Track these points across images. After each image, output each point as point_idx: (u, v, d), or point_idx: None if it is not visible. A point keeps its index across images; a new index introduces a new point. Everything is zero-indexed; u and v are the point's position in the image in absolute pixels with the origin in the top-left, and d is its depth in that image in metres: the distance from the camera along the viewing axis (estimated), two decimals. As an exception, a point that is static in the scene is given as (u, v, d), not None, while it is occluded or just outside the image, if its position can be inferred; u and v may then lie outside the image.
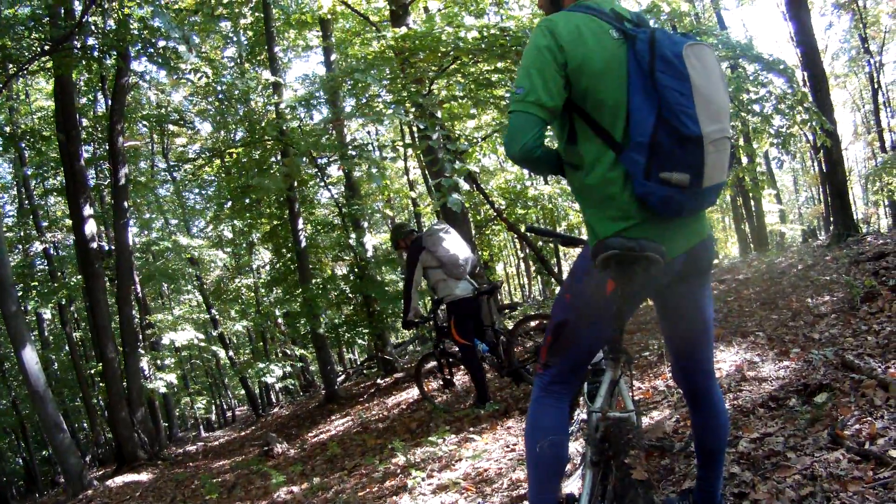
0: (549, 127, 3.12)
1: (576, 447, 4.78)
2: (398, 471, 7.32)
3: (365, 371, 22.31)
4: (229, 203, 19.76)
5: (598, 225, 3.09)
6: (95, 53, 14.09)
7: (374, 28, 15.17)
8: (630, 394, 3.56)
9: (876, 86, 31.10)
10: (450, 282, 9.12)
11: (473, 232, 17.75)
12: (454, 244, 9.15)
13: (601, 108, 2.99)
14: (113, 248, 19.01)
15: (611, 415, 3.14)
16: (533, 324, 9.62)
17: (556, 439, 3.27)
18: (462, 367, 10.55)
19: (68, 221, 22.61)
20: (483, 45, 9.92)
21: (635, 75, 2.91)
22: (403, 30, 10.58)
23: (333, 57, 20.51)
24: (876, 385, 5.18)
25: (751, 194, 25.80)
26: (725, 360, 7.51)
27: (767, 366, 6.83)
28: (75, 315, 28.66)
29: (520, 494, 5.30)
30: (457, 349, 9.69)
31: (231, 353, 28.32)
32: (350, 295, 18.17)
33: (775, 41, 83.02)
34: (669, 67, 2.82)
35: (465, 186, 9.15)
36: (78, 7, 13.86)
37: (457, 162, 9.42)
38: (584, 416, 4.50)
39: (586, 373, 4.04)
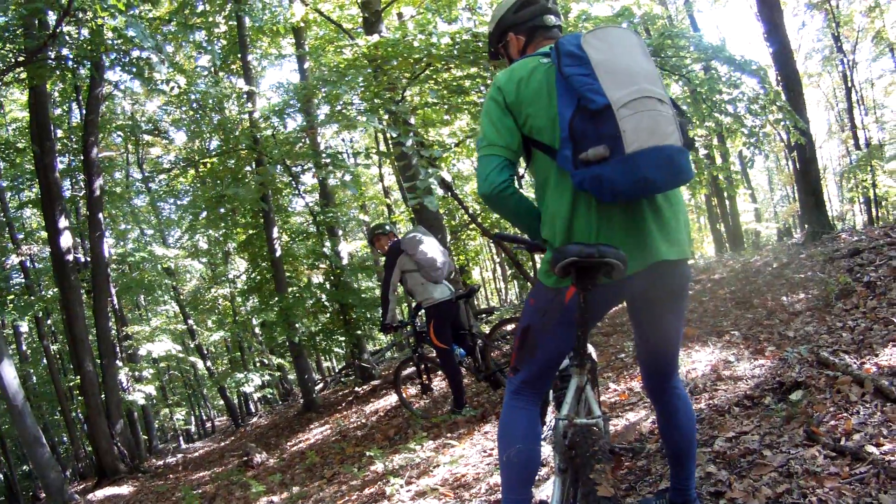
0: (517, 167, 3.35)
1: (550, 451, 4.78)
2: (377, 478, 7.30)
3: (343, 379, 22.23)
4: (204, 213, 19.71)
5: (556, 237, 3.17)
6: (70, 63, 14.02)
7: (347, 36, 15.11)
8: (596, 399, 3.56)
9: (849, 84, 31.23)
10: (428, 285, 9.14)
11: (449, 237, 17.73)
12: (431, 248, 9.18)
13: (542, 129, 3.14)
14: (89, 259, 18.93)
15: (577, 421, 3.13)
16: (509, 328, 9.62)
17: (526, 444, 3.33)
18: (440, 372, 10.57)
19: (44, 234, 22.50)
20: (455, 52, 9.93)
21: (558, 82, 3.01)
22: (376, 37, 10.57)
23: (307, 65, 20.46)
24: (851, 381, 5.18)
25: (725, 193, 25.88)
26: (701, 360, 7.52)
27: (743, 365, 6.84)
28: (52, 328, 28.52)
29: (498, 499, 5.29)
30: (435, 354, 9.70)
31: (209, 363, 28.21)
32: (326, 303, 18.13)
33: (749, 42, 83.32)
34: (572, 58, 2.94)
35: (440, 191, 9.17)
36: (52, 17, 13.79)
37: (430, 168, 9.45)
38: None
39: (555, 378, 4.06)
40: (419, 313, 9.79)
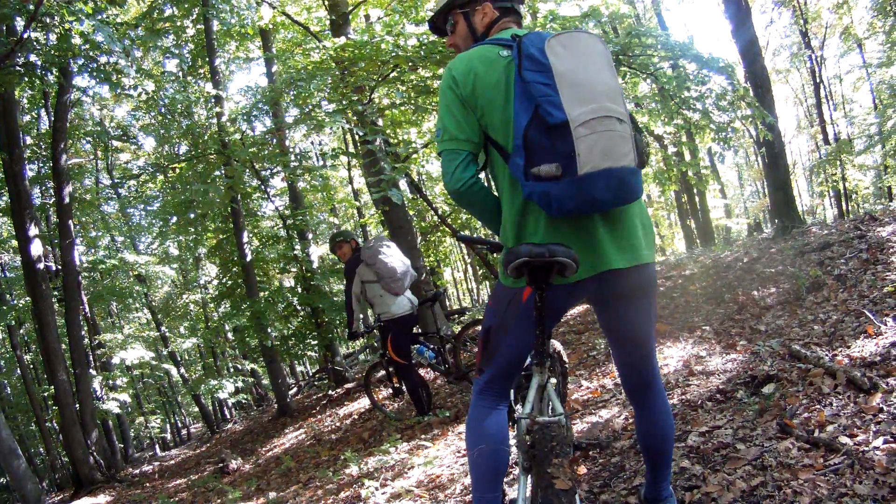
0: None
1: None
2: (352, 481, 7.27)
3: (316, 383, 22.16)
4: (174, 218, 19.60)
5: (508, 240, 3.20)
6: (38, 69, 13.92)
7: (314, 38, 15.07)
8: (561, 397, 3.56)
9: (818, 80, 31.55)
10: (387, 297, 9.02)
11: (419, 239, 17.71)
12: (392, 258, 9.03)
13: (496, 125, 3.09)
14: (60, 267, 18.77)
15: (539, 420, 3.12)
16: (479, 328, 9.59)
17: (490, 443, 3.34)
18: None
19: (14, 242, 22.29)
20: (422, 53, 9.91)
21: (516, 83, 2.94)
22: (343, 39, 10.53)
23: (275, 68, 20.42)
24: (823, 373, 5.20)
25: (695, 189, 25.99)
26: (672, 355, 7.53)
27: (715, 360, 6.86)
28: (25, 338, 28.31)
29: (472, 499, 5.29)
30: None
31: (182, 370, 28.09)
32: (298, 307, 18.08)
33: (717, 39, 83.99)
34: (533, 63, 2.87)
35: (409, 192, 9.17)
36: (19, 23, 13.69)
37: (396, 164, 9.44)
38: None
39: (519, 377, 4.07)
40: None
